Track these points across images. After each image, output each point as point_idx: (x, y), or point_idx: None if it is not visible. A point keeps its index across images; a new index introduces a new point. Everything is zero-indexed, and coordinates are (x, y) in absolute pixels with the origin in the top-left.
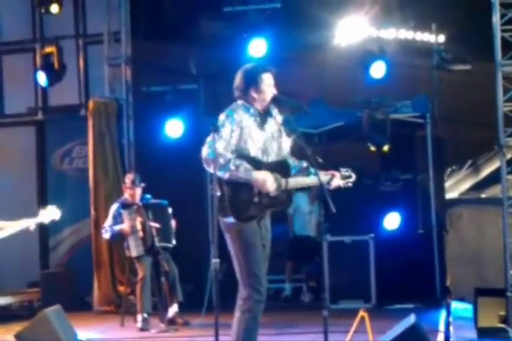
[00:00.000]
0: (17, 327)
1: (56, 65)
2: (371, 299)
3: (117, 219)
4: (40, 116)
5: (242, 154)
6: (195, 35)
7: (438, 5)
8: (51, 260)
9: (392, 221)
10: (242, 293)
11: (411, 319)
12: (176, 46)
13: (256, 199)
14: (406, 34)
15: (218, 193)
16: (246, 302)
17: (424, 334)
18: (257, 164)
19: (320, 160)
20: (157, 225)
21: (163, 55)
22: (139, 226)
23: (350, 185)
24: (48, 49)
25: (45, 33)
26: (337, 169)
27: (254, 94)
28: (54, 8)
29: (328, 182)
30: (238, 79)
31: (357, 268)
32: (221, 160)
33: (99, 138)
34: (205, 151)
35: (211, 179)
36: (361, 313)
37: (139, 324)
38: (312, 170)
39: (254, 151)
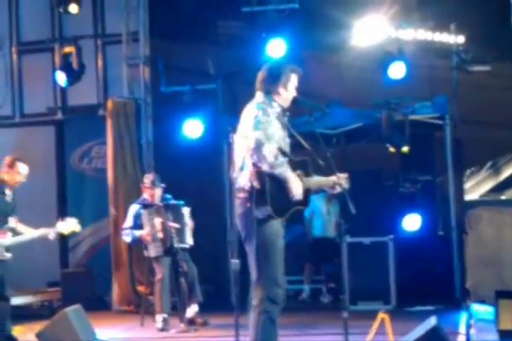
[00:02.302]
0: (37, 326)
1: (75, 65)
2: (390, 301)
3: (137, 220)
4: (59, 115)
5: (279, 148)
6: (213, 35)
7: (457, 5)
8: (71, 260)
9: (411, 222)
10: (258, 293)
11: (432, 321)
12: (194, 46)
13: (291, 196)
14: (425, 35)
15: (258, 186)
16: (262, 303)
17: (445, 337)
18: (289, 160)
19: (321, 162)
20: (177, 225)
21: (182, 55)
22: (158, 227)
23: (339, 190)
24: (67, 49)
25: (63, 33)
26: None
27: (281, 91)
28: (73, 8)
29: (333, 186)
30: (266, 72)
31: (376, 270)
32: (267, 153)
33: (118, 138)
34: (251, 141)
35: (229, 178)
36: (381, 315)
37: (159, 324)
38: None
39: (281, 145)
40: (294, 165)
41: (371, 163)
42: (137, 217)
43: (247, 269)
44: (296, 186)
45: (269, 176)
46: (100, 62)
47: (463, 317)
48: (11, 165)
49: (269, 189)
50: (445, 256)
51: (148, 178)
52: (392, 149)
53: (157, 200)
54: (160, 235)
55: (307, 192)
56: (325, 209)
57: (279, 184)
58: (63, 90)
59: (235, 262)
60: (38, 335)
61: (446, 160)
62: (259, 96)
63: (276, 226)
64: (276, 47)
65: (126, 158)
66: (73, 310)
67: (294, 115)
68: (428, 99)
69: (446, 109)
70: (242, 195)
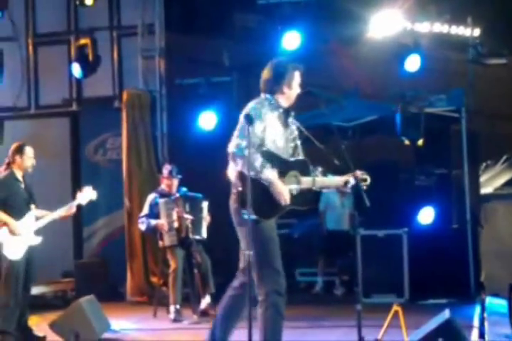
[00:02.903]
0: (51, 316)
1: (90, 57)
2: (404, 293)
3: (154, 208)
4: (74, 107)
5: (266, 151)
6: (228, 28)
7: None
8: (85, 250)
9: (426, 215)
10: (262, 288)
11: (445, 314)
12: (209, 38)
13: (277, 200)
14: (441, 28)
15: (240, 188)
16: (268, 297)
17: (459, 330)
18: (280, 162)
19: (336, 162)
20: (190, 217)
21: (197, 47)
22: (174, 217)
23: (365, 188)
24: (83, 41)
25: (79, 24)
26: (352, 169)
27: (285, 89)
28: (88, 0)
29: (345, 185)
30: (269, 71)
31: (390, 263)
32: (249, 159)
33: (132, 130)
34: (232, 147)
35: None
36: (395, 308)
37: (172, 315)
38: (330, 175)
39: (277, 148)
40: (291, 166)
41: (386, 156)
42: (154, 205)
43: None
44: (279, 192)
45: (252, 179)
46: (116, 54)
47: (477, 310)
48: (21, 151)
49: (252, 193)
50: (459, 249)
51: (166, 169)
52: (407, 142)
53: (174, 191)
54: (176, 225)
55: (307, 194)
56: (339, 201)
57: (263, 187)
58: (79, 82)
59: (248, 253)
60: (52, 325)
61: (462, 154)
62: (260, 97)
63: (269, 221)
64: (291, 40)
65: (140, 149)
66: (87, 301)
67: (310, 108)
68: (444, 92)
69: (462, 102)
70: (234, 191)
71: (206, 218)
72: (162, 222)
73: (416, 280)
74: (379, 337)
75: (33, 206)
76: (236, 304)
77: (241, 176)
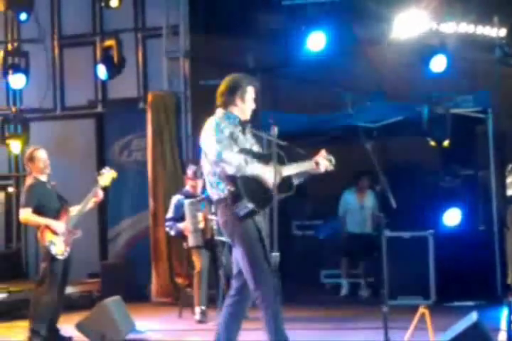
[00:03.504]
0: (77, 316)
1: (115, 59)
2: (430, 296)
3: (179, 210)
4: (99, 108)
5: (242, 148)
6: (253, 29)
7: None
8: (110, 251)
9: (452, 217)
10: (256, 290)
11: (473, 316)
12: (234, 40)
13: (267, 188)
14: (467, 28)
15: (232, 188)
16: (264, 299)
17: (487, 333)
18: (258, 155)
19: (302, 151)
20: (215, 218)
21: (222, 49)
22: (200, 218)
23: (332, 168)
24: (108, 42)
25: (104, 26)
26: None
27: (238, 102)
28: (113, 2)
29: (317, 165)
30: (224, 86)
31: (416, 264)
32: (229, 159)
33: (157, 131)
34: (212, 154)
35: None
36: (421, 310)
37: (197, 316)
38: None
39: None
40: (265, 158)
41: (412, 157)
42: (179, 207)
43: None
44: (270, 176)
45: (240, 176)
46: (140, 56)
47: (504, 313)
48: (31, 158)
49: (244, 187)
50: (486, 251)
51: (190, 170)
52: (433, 143)
53: (199, 191)
54: (201, 226)
55: (288, 180)
56: (358, 205)
57: (252, 179)
58: (104, 83)
59: (275, 255)
60: (78, 326)
61: (489, 155)
62: (217, 112)
63: (249, 222)
64: (316, 41)
65: (165, 151)
66: (113, 301)
67: (336, 109)
68: (470, 92)
69: (489, 102)
70: (221, 205)
71: None
72: (187, 224)
73: (442, 282)
74: (405, 339)
75: (66, 205)
76: (235, 311)
77: (229, 177)
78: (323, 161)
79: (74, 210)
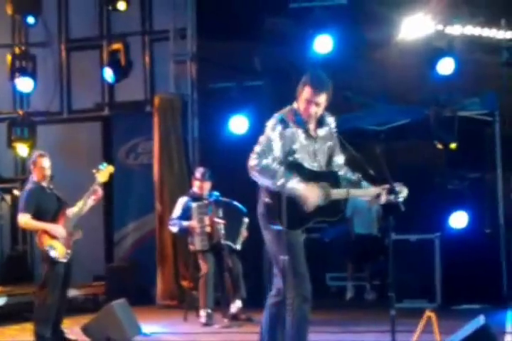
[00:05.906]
0: (82, 319)
1: (122, 62)
2: (436, 298)
3: (186, 212)
4: (106, 111)
5: (292, 161)
6: (260, 32)
7: (507, 0)
8: (116, 254)
9: (458, 220)
10: (288, 293)
11: (480, 320)
12: (241, 43)
13: (306, 210)
14: (474, 30)
15: (267, 199)
16: (293, 301)
17: (494, 336)
18: (305, 172)
19: (372, 172)
20: (222, 221)
21: (229, 52)
22: (207, 221)
23: (401, 200)
24: (115, 46)
25: (111, 30)
26: (387, 181)
27: (299, 101)
28: (121, 6)
29: (378, 196)
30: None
31: (422, 267)
32: (269, 172)
33: (164, 134)
34: (253, 161)
35: None
36: (428, 313)
37: (203, 319)
38: (364, 183)
39: (302, 159)
40: (319, 177)
41: (419, 160)
42: (186, 209)
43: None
44: (307, 194)
45: (277, 192)
46: (147, 59)
47: (510, 316)
48: (34, 162)
49: (277, 204)
50: (492, 254)
51: (198, 171)
52: (440, 146)
53: (205, 193)
54: (208, 229)
55: (338, 204)
56: (365, 206)
57: (289, 199)
58: (111, 86)
59: (283, 258)
60: (84, 329)
61: (495, 157)
62: (290, 106)
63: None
64: (323, 44)
65: (172, 153)
66: (119, 304)
67: (344, 111)
68: (477, 95)
69: (496, 105)
70: (260, 206)
71: (243, 233)
72: (194, 222)
73: (448, 285)
74: None
75: (64, 207)
76: (278, 311)
77: (267, 188)
78: (387, 197)
79: (73, 210)
